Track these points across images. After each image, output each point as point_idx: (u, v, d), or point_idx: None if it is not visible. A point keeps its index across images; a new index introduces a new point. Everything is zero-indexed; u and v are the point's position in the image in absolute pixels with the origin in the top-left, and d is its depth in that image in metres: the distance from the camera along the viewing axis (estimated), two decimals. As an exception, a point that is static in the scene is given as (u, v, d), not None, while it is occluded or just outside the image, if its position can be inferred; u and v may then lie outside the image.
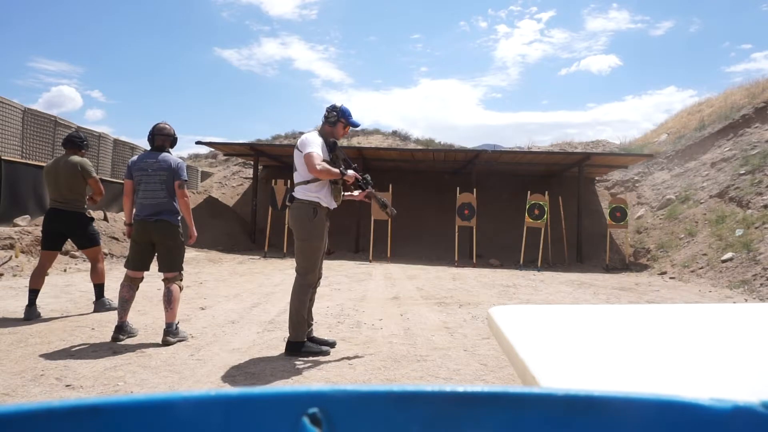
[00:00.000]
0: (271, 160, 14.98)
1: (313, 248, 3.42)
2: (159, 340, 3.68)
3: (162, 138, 3.82)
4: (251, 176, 15.36)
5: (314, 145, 3.30)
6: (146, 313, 4.65)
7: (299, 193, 3.41)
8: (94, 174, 4.66)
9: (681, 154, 14.37)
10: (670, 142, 15.47)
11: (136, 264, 3.78)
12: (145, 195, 3.70)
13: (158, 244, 3.76)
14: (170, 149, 3.92)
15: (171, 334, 3.63)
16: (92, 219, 4.79)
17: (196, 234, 3.92)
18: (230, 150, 15.06)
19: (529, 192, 11.73)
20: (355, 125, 3.66)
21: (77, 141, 4.71)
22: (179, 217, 3.83)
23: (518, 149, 16.68)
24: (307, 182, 3.38)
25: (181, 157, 21.13)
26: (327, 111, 3.58)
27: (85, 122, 60.68)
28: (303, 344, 3.43)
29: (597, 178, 15.48)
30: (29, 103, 10.22)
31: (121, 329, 3.66)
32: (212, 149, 18.57)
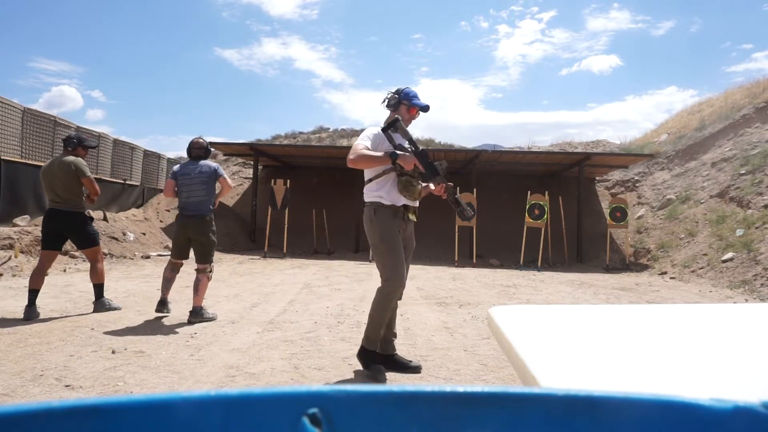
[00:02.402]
0: (271, 160, 14.98)
1: (382, 251, 3.02)
2: (159, 339, 3.74)
3: (197, 150, 4.67)
4: (251, 176, 15.36)
5: (363, 137, 2.96)
6: (146, 314, 4.66)
7: (364, 194, 3.09)
8: (88, 173, 4.64)
9: (681, 154, 14.36)
10: (670, 142, 15.46)
11: (176, 253, 4.65)
12: (188, 195, 4.52)
13: (193, 239, 4.52)
14: (206, 158, 4.70)
15: (196, 315, 4.33)
16: (91, 219, 4.79)
17: (217, 204, 4.69)
18: (230, 150, 15.05)
19: (529, 192, 11.73)
20: (421, 106, 3.09)
21: (66, 141, 4.73)
22: (211, 209, 4.58)
23: (518, 149, 16.67)
24: (369, 181, 3.03)
25: (181, 157, 21.20)
26: (387, 94, 3.13)
27: (85, 122, 60.81)
28: (373, 355, 3.09)
29: (597, 178, 15.48)
30: (30, 103, 10.22)
31: (164, 303, 4.54)
32: (212, 149, 18.57)
